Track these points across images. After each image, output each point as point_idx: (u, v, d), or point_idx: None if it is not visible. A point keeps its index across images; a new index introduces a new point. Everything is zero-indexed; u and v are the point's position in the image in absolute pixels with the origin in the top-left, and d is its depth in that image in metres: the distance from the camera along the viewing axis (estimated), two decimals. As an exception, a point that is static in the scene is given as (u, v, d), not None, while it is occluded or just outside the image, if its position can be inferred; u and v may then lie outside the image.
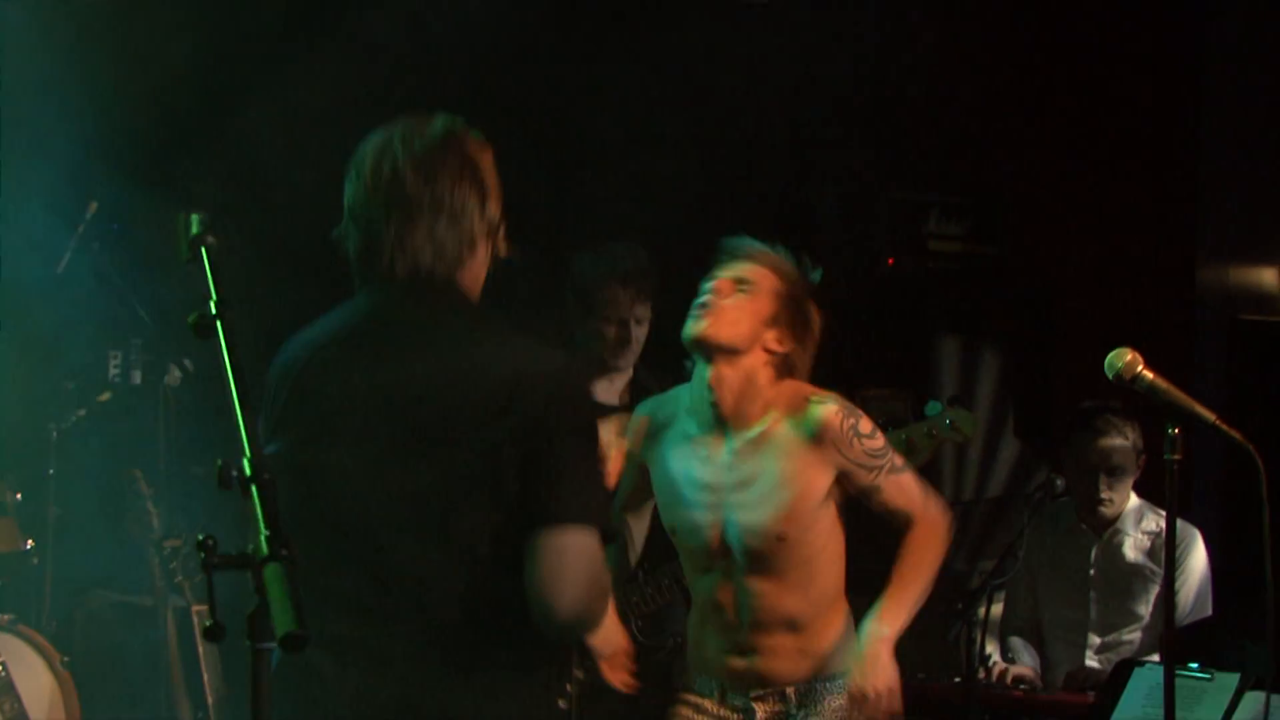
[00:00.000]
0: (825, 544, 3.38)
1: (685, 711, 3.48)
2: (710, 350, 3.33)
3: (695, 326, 3.32)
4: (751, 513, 3.31)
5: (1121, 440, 4.63)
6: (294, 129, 5.72)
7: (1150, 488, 4.74)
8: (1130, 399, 3.90)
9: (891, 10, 6.17)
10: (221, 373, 2.02)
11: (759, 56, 6.19)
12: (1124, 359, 3.04)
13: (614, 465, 3.45)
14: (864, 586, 3.46)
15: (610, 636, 3.47)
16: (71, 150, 5.61)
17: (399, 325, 2.57)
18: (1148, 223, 5.94)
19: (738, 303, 3.32)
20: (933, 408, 3.82)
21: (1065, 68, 6.05)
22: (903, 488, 3.37)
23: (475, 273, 2.63)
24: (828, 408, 3.32)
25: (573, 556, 2.44)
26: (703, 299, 3.35)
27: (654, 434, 3.48)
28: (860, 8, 6.19)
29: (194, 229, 2.14)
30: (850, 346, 3.88)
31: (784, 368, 3.36)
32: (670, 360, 3.72)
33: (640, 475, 3.53)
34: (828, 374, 3.57)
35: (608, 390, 4.33)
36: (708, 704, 3.45)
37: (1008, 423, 5.77)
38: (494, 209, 2.63)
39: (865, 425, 3.35)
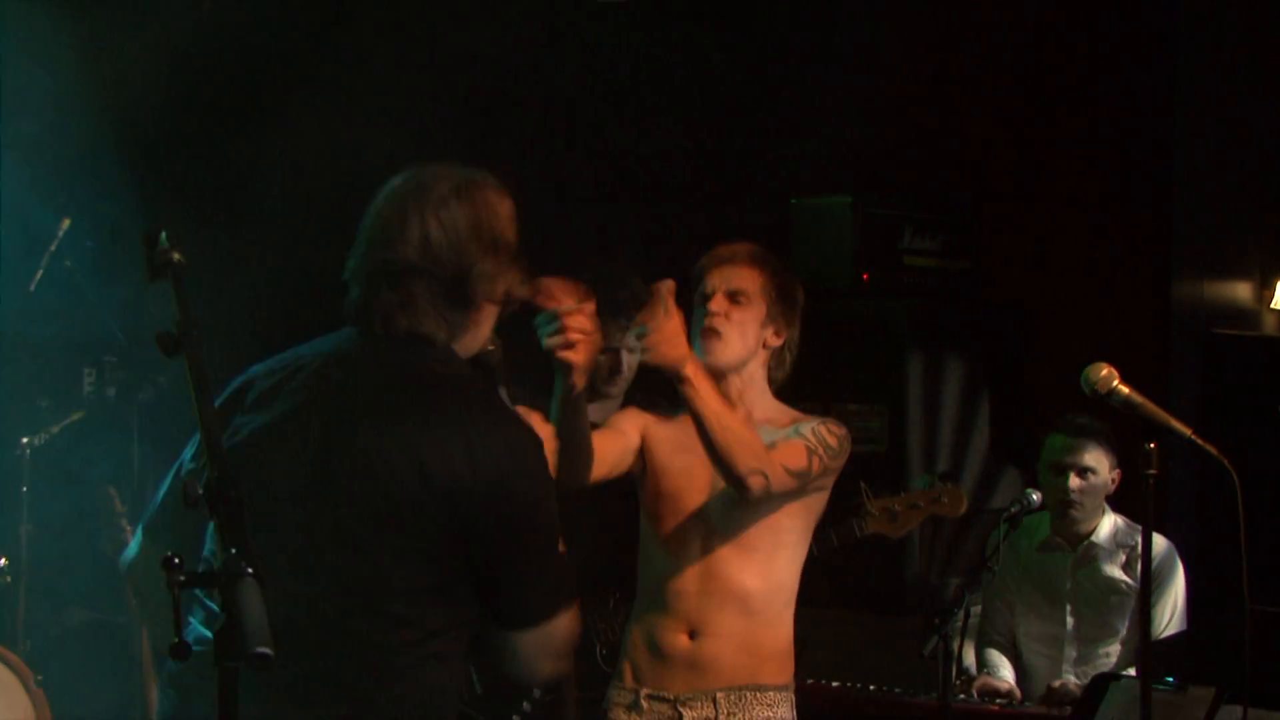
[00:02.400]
0: (790, 537, 3.46)
1: (616, 714, 3.48)
2: (722, 372, 3.45)
3: (708, 358, 3.42)
4: None
5: (1094, 443, 4.64)
6: (273, 151, 5.72)
7: (1127, 505, 4.74)
8: (1106, 415, 3.91)
9: (864, 25, 6.18)
10: (187, 390, 2.01)
11: (733, 70, 6.20)
12: (1099, 373, 3.05)
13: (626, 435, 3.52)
14: (840, 599, 3.46)
15: None
16: (46, 166, 5.60)
17: (383, 388, 2.41)
18: (1122, 237, 5.95)
19: (739, 318, 3.44)
20: (922, 480, 3.84)
21: (1039, 82, 6.06)
22: (794, 449, 3.36)
23: (471, 339, 2.51)
24: (831, 419, 3.52)
25: (556, 642, 2.45)
26: (706, 322, 3.44)
27: (657, 436, 3.57)
28: (833, 23, 6.20)
29: (160, 245, 2.12)
30: (824, 362, 3.88)
31: (779, 355, 3.51)
32: (664, 384, 3.75)
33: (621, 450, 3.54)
34: (801, 389, 3.59)
35: (600, 414, 4.34)
36: (635, 716, 3.46)
37: (980, 439, 5.76)
38: (511, 270, 2.49)
39: (837, 429, 3.45)
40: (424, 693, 2.37)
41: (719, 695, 3.39)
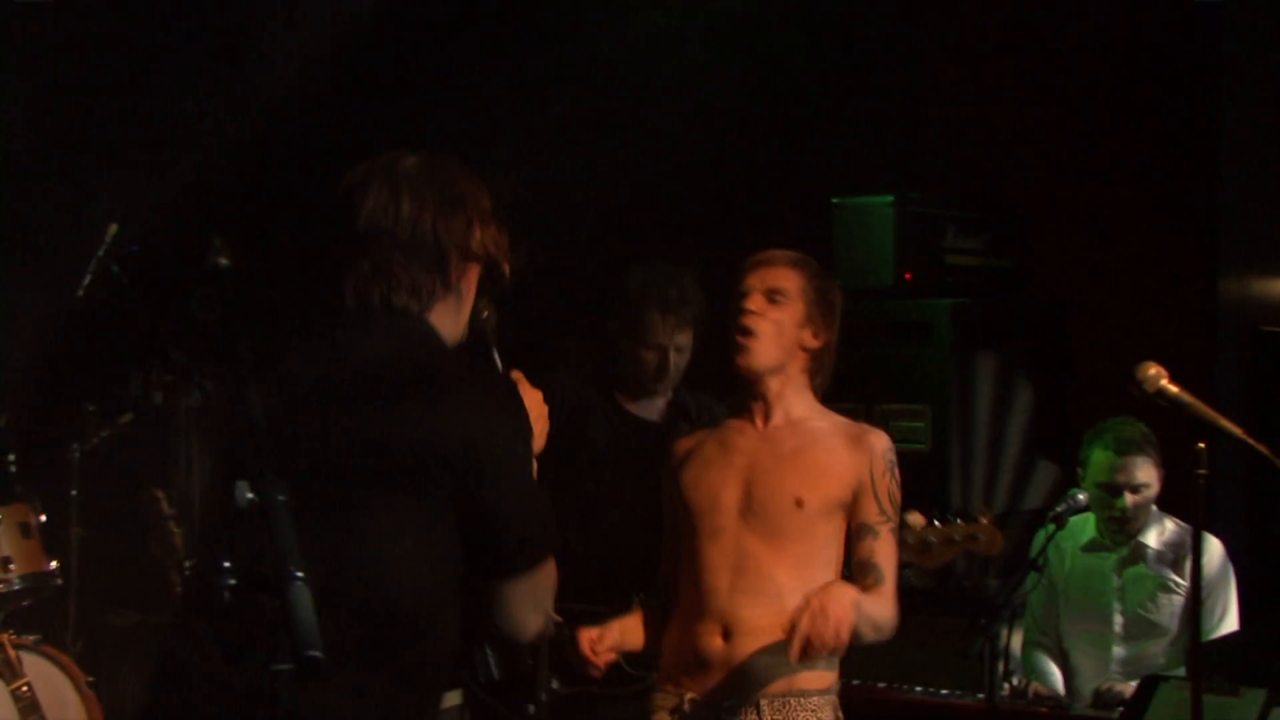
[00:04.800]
0: (830, 545, 3.42)
1: (660, 717, 3.47)
2: (760, 375, 3.46)
3: (744, 358, 3.45)
4: (775, 476, 3.41)
5: (1144, 457, 4.61)
6: (306, 159, 5.75)
7: (1171, 501, 4.71)
8: (1151, 413, 3.89)
9: (906, 22, 6.16)
10: (235, 394, 2.02)
11: (775, 67, 6.20)
12: (1148, 373, 3.04)
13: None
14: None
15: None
16: (93, 172, 5.64)
17: (362, 364, 2.50)
18: (1167, 234, 5.91)
19: (775, 316, 3.44)
20: (957, 517, 3.84)
21: (1082, 79, 6.03)
22: (892, 551, 3.44)
23: (454, 311, 2.59)
24: (879, 433, 3.49)
25: (541, 590, 2.56)
26: (742, 321, 3.44)
27: (690, 450, 3.58)
28: (875, 19, 6.19)
29: (210, 250, 2.14)
30: (866, 362, 3.88)
31: (818, 358, 3.50)
32: (710, 380, 3.75)
33: None
34: (844, 390, 3.58)
35: (648, 408, 4.37)
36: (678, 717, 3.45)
37: (1024, 438, 5.73)
38: (483, 245, 2.58)
39: (898, 475, 3.46)
40: (434, 642, 2.48)
41: (762, 702, 3.35)
